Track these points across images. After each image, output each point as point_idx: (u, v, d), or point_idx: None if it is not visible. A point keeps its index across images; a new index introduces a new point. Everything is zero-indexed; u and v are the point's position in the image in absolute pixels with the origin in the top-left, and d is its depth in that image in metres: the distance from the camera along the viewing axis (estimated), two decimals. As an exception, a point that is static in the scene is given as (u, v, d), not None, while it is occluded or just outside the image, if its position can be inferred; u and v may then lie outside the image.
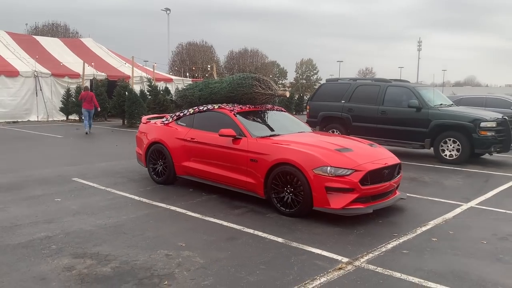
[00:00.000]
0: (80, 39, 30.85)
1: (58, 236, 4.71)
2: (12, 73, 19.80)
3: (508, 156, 11.00)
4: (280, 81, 70.05)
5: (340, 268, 3.98)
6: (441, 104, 10.54)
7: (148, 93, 19.28)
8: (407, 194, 6.39)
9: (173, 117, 7.39)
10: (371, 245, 4.57)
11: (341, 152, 5.60)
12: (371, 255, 4.31)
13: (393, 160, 5.96)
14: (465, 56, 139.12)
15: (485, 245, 4.69)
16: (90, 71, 22.10)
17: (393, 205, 5.89)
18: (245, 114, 6.65)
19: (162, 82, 24.24)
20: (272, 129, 6.53)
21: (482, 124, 9.48)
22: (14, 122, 19.13)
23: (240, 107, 6.80)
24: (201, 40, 58.44)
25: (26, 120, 19.93)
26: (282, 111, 7.49)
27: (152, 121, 7.88)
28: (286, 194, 5.53)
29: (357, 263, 4.11)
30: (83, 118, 15.92)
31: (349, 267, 4.02)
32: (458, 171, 8.97)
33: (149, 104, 18.42)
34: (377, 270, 3.94)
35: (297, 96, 31.09)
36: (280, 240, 4.69)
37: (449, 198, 6.66)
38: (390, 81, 11.26)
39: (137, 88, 20.90)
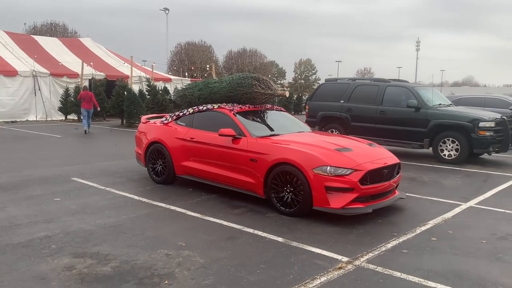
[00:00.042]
0: (79, 38, 30.76)
1: (58, 235, 4.70)
2: (11, 72, 19.76)
3: (507, 156, 11.02)
4: (279, 81, 70.03)
5: (340, 268, 3.98)
6: (440, 104, 10.56)
7: (147, 93, 19.27)
8: (407, 194, 6.40)
9: (173, 116, 7.39)
10: (371, 245, 4.57)
11: (340, 151, 5.61)
12: (371, 254, 4.32)
13: (393, 159, 5.97)
14: (463, 56, 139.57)
15: (484, 244, 4.70)
16: (88, 70, 22.06)
17: (392, 205, 5.90)
18: (244, 114, 6.65)
19: (161, 82, 24.22)
20: (271, 129, 6.53)
21: (481, 124, 9.50)
22: (12, 121, 19.09)
23: (240, 107, 6.80)
24: (199, 40, 58.44)
25: (25, 120, 19.89)
26: (281, 111, 7.50)
27: (152, 121, 7.88)
28: (286, 193, 5.53)
29: (357, 262, 4.11)
30: (81, 117, 15.90)
31: (349, 266, 4.02)
32: (457, 171, 8.99)
33: (147, 104, 18.42)
34: (377, 270, 3.95)
35: (295, 96, 31.11)
36: (280, 239, 4.69)
37: (448, 197, 6.67)
38: (389, 81, 11.27)
39: (136, 88, 20.88)
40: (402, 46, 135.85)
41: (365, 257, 4.24)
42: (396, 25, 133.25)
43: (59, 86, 21.13)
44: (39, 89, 20.43)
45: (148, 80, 20.32)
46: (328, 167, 5.23)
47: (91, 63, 22.88)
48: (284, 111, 7.56)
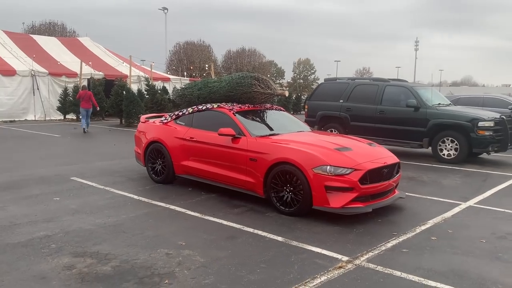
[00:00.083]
0: (78, 38, 30.74)
1: (58, 235, 4.70)
2: (9, 72, 19.72)
3: (506, 155, 11.04)
4: (278, 81, 70.05)
5: (340, 267, 3.99)
6: (439, 104, 10.57)
7: (145, 93, 19.26)
8: (406, 193, 6.41)
9: (172, 116, 7.38)
10: (371, 244, 4.58)
11: (340, 151, 5.61)
12: (371, 253, 4.32)
13: (392, 159, 5.97)
14: (462, 56, 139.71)
15: (484, 244, 4.71)
16: (87, 70, 22.04)
17: (392, 204, 5.90)
18: (244, 113, 6.65)
19: (159, 81, 24.23)
20: (271, 128, 6.53)
21: (480, 124, 9.51)
22: (11, 121, 19.06)
23: (239, 106, 6.80)
24: (198, 40, 58.35)
25: (23, 119, 19.87)
26: (281, 110, 7.49)
27: (151, 120, 7.87)
28: (286, 193, 5.53)
29: (357, 261, 4.12)
30: (80, 117, 15.88)
31: (349, 265, 4.02)
32: (456, 170, 9.00)
33: (146, 104, 18.41)
34: (377, 269, 3.95)
35: (294, 96, 31.12)
36: (280, 239, 4.69)
37: (448, 197, 6.68)
38: (388, 80, 11.28)
39: (134, 88, 20.89)
40: (401, 46, 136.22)
41: (365, 257, 4.24)
42: (395, 25, 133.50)
43: (58, 85, 21.10)
44: (38, 89, 20.40)
45: (147, 79, 20.30)
46: (328, 167, 5.23)
47: (90, 63, 22.86)
48: (283, 111, 7.56)
